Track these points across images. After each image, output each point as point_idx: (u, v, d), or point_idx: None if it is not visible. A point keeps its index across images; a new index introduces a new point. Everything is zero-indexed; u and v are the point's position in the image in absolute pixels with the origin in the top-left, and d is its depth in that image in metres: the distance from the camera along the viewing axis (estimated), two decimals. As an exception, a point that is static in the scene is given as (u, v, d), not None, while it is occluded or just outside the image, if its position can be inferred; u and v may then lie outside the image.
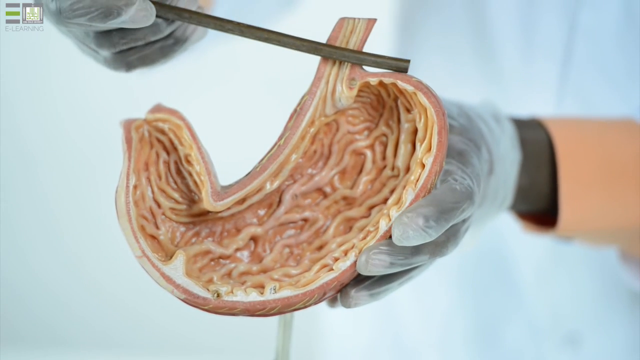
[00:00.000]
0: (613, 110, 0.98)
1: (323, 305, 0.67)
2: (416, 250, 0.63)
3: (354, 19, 0.66)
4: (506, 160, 0.78)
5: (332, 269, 0.64)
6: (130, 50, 0.66)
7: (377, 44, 1.18)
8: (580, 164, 0.85)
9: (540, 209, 0.86)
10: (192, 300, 0.63)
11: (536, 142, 0.85)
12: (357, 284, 0.64)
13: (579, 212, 0.85)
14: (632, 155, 0.86)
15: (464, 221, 0.66)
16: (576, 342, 1.06)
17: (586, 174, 0.85)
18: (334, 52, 0.65)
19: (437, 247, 0.64)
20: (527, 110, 0.99)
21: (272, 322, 0.73)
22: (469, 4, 1.07)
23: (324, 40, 0.66)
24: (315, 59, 0.66)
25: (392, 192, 0.67)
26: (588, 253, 1.04)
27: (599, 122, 0.89)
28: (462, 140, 0.69)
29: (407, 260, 0.62)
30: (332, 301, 0.66)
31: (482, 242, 0.99)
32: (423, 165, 0.64)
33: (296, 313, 0.66)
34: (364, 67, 0.66)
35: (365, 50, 0.66)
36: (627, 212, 0.86)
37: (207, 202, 0.65)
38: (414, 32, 1.12)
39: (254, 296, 0.63)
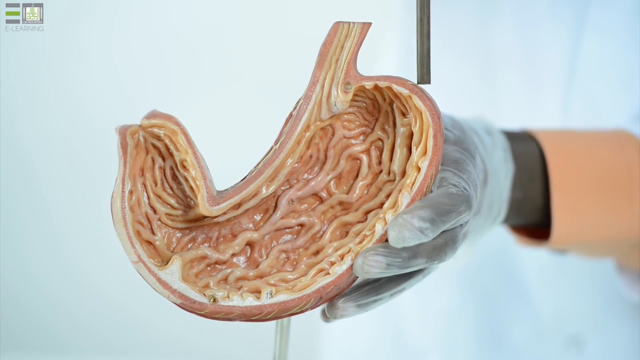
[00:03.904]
0: (613, 120, 0.98)
1: (322, 308, 0.67)
2: (413, 253, 0.63)
3: (349, 23, 0.66)
4: (500, 173, 0.78)
5: (328, 273, 0.64)
6: None
7: (384, 49, 1.18)
8: (572, 176, 0.85)
9: (533, 221, 0.86)
10: (189, 305, 0.63)
11: (528, 154, 0.85)
12: (346, 294, 0.64)
13: (572, 225, 0.85)
14: (624, 166, 0.86)
15: (461, 226, 0.66)
16: (580, 344, 1.06)
17: (578, 186, 0.85)
18: None
19: (435, 251, 0.63)
20: (530, 113, 0.99)
21: (269, 327, 0.73)
22: (475, 10, 1.07)
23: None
24: (311, 63, 0.66)
25: (388, 196, 0.67)
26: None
27: (590, 134, 0.89)
28: (457, 149, 0.69)
29: (404, 263, 0.62)
30: (324, 315, 0.66)
31: (486, 243, 0.99)
32: (419, 169, 0.64)
33: (294, 316, 0.66)
34: (359, 70, 0.66)
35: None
36: (620, 223, 0.86)
37: (203, 206, 0.65)
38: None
39: (250, 301, 0.63)
